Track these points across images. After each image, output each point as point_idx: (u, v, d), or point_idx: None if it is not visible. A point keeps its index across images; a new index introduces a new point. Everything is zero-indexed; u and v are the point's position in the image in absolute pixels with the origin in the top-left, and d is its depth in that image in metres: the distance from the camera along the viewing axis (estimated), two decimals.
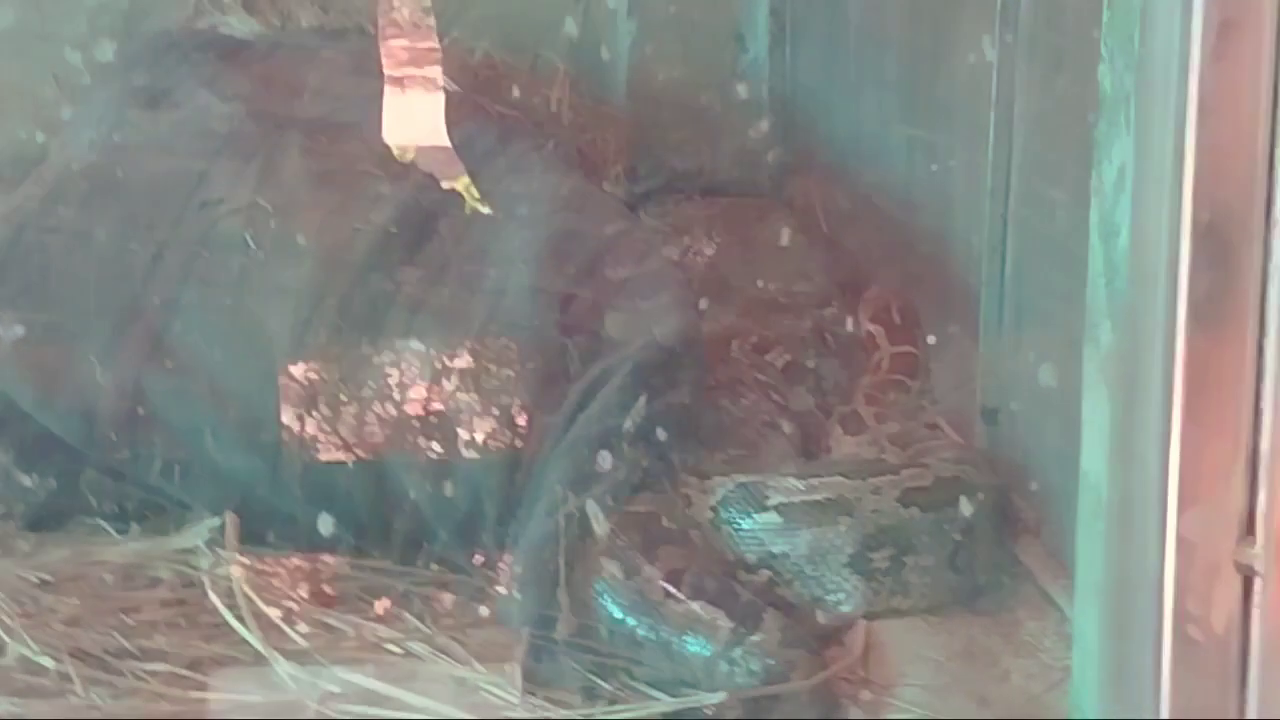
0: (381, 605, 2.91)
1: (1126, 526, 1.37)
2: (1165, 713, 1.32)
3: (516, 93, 3.75)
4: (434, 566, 2.99)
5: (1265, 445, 1.29)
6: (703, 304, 3.24)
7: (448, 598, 2.93)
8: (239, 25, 3.96)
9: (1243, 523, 1.31)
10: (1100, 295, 1.58)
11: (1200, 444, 1.29)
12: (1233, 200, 1.29)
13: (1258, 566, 1.30)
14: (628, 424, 2.80)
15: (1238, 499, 1.30)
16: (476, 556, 2.97)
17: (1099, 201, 1.63)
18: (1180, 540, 1.29)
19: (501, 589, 2.88)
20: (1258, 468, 1.29)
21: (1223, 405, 1.29)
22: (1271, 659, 1.31)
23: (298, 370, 3.03)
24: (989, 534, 2.86)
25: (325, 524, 2.87)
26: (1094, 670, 1.48)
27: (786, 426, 3.16)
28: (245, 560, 2.91)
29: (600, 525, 2.70)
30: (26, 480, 3.06)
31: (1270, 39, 1.26)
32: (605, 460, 2.75)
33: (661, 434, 2.85)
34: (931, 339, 3.35)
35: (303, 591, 2.94)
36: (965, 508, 2.77)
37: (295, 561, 3.02)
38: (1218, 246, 1.29)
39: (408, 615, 2.87)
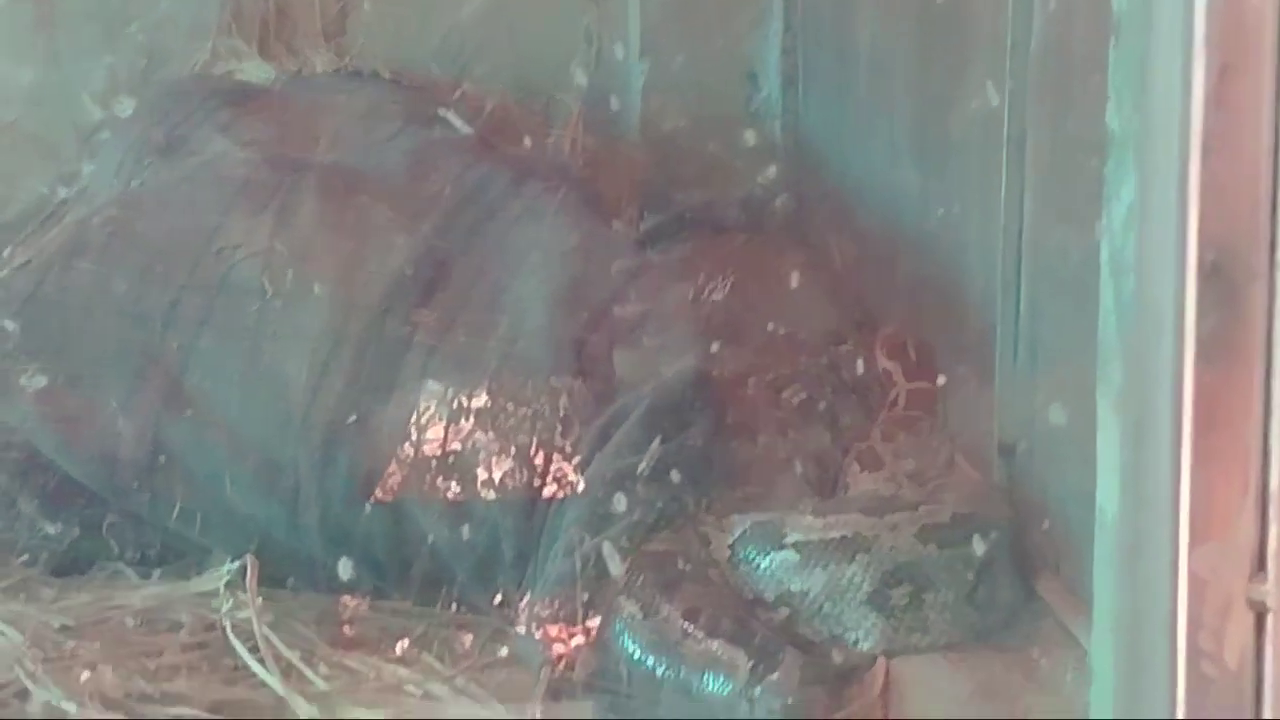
0: (401, 647, 2.92)
1: (1139, 563, 1.38)
2: None
3: (529, 137, 3.76)
4: (453, 607, 3.01)
5: (1275, 482, 1.31)
6: (715, 344, 3.24)
7: (467, 638, 2.93)
8: (255, 71, 3.97)
9: (1254, 559, 1.32)
10: (1112, 333, 1.59)
11: (1210, 481, 1.30)
12: (1237, 241, 1.30)
13: (1270, 603, 1.31)
14: (642, 466, 2.81)
15: (1248, 535, 1.31)
16: (496, 597, 2.98)
17: (1109, 240, 1.64)
18: (1192, 577, 1.30)
19: (520, 629, 2.89)
20: (1268, 504, 1.30)
21: (1232, 442, 1.31)
22: None
23: (315, 414, 3.04)
24: (1008, 570, 2.85)
25: (345, 568, 2.88)
26: (1110, 708, 1.49)
27: (802, 464, 3.16)
28: (264, 603, 2.93)
29: (615, 566, 2.71)
30: (50, 528, 3.08)
31: (1270, 82, 1.28)
32: (620, 502, 2.76)
33: (676, 474, 2.86)
34: (947, 376, 3.35)
35: (323, 633, 2.95)
36: (978, 545, 2.77)
37: (315, 603, 3.04)
38: (1223, 286, 1.30)
39: (427, 656, 2.87)
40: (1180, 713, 1.32)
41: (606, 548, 2.73)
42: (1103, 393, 1.59)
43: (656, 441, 2.82)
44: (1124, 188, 1.58)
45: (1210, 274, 1.30)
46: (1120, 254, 1.59)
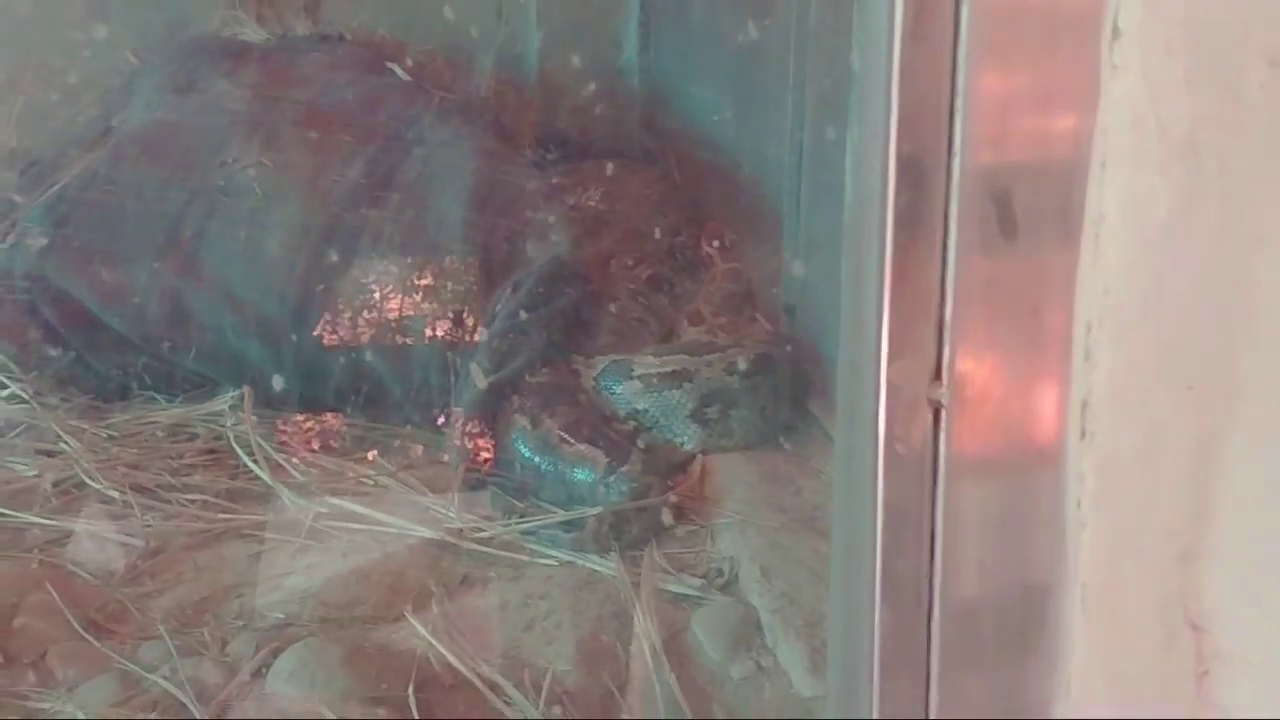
0: (361, 453, 2.88)
1: (855, 378, 1.36)
2: (880, 499, 1.33)
3: (454, 85, 3.67)
4: (407, 426, 2.97)
5: (948, 314, 1.29)
6: (590, 236, 3.21)
7: (417, 448, 2.90)
8: (251, 33, 3.84)
9: (933, 370, 1.31)
10: (850, 217, 1.56)
11: (904, 315, 1.29)
12: (925, 137, 1.28)
13: (943, 401, 1.30)
14: (524, 316, 2.78)
15: (929, 353, 1.30)
16: (439, 418, 2.95)
17: (851, 153, 1.60)
18: (889, 384, 1.29)
19: (455, 441, 2.86)
20: (943, 330, 1.29)
21: (918, 287, 1.29)
22: (952, 466, 1.32)
23: (293, 283, 2.98)
24: (788, 394, 2.86)
25: (278, 382, 2.83)
26: (840, 477, 1.49)
27: (648, 320, 3.15)
28: (259, 420, 2.88)
29: (480, 380, 2.69)
30: (52, 351, 3.00)
31: (950, 16, 1.25)
32: (482, 334, 2.74)
33: (554, 325, 2.84)
34: (750, 256, 3.34)
35: (302, 443, 2.91)
36: (769, 376, 2.78)
37: (298, 421, 2.99)
38: (914, 172, 1.28)
39: (380, 459, 2.84)
40: (880, 479, 1.32)
41: (473, 367, 2.70)
42: (844, 262, 1.56)
43: (507, 291, 2.78)
44: (862, 113, 1.55)
45: (906, 163, 1.27)
46: (858, 158, 1.55)
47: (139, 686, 2.09)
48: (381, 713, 1.95)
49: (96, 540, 2.47)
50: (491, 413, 2.78)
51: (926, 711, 1.34)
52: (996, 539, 1.37)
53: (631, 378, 2.80)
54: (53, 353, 2.95)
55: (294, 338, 2.95)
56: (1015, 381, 1.33)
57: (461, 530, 2.49)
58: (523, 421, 2.72)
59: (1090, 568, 1.36)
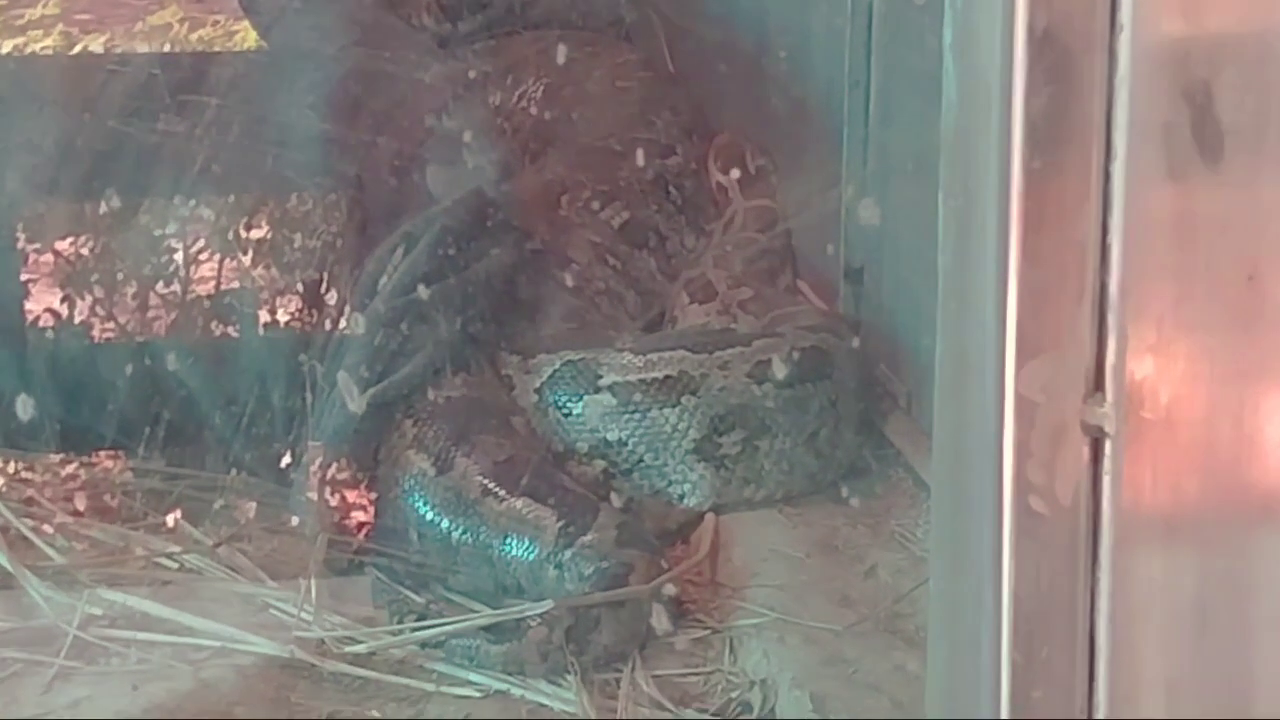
0: (159, 516, 2.89)
1: (964, 387, 1.37)
2: (1007, 596, 1.33)
3: None
4: (233, 472, 2.97)
5: (1114, 287, 1.29)
6: (525, 158, 3.23)
7: (249, 507, 2.91)
8: None
9: (1090, 377, 1.31)
10: (951, 127, 1.57)
11: (1040, 288, 1.29)
12: (1073, 3, 1.28)
13: (1107, 427, 1.30)
14: (422, 291, 2.80)
15: (1084, 350, 1.30)
16: (284, 459, 2.96)
17: (952, 21, 1.62)
18: (1019, 399, 1.29)
19: (304, 493, 2.87)
20: (1106, 313, 1.29)
21: (1065, 242, 1.29)
22: (1125, 531, 1.32)
23: (44, 239, 2.98)
24: (853, 411, 2.88)
25: (23, 405, 2.83)
26: (941, 549, 1.50)
27: (624, 294, 3.17)
28: None
29: (353, 400, 2.70)
30: None
31: None
32: (358, 324, 2.75)
33: (470, 307, 2.85)
34: (788, 191, 3.36)
35: (65, 500, 2.91)
36: (777, 365, 2.80)
37: (56, 467, 2.99)
38: (1056, 57, 1.28)
39: (188, 525, 2.84)
40: (1006, 555, 1.32)
41: (340, 376, 2.71)
42: (943, 200, 1.57)
43: (399, 253, 2.78)
44: None
45: (1044, 40, 1.28)
46: (964, 36, 1.56)
47: None
48: None
49: None
50: (370, 448, 2.79)
51: None
52: (1195, 647, 1.38)
53: (598, 389, 2.83)
54: None
55: (48, 332, 2.95)
56: (1223, 392, 1.34)
57: (323, 642, 2.50)
58: (421, 463, 2.73)
59: None
